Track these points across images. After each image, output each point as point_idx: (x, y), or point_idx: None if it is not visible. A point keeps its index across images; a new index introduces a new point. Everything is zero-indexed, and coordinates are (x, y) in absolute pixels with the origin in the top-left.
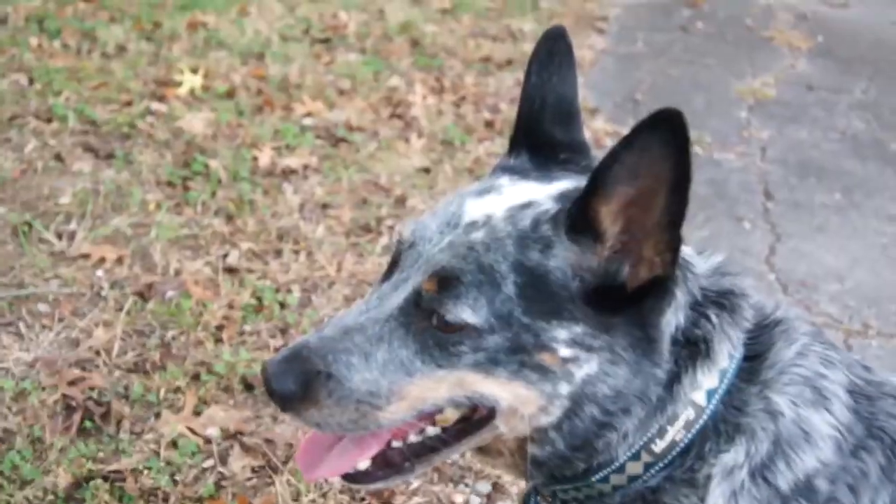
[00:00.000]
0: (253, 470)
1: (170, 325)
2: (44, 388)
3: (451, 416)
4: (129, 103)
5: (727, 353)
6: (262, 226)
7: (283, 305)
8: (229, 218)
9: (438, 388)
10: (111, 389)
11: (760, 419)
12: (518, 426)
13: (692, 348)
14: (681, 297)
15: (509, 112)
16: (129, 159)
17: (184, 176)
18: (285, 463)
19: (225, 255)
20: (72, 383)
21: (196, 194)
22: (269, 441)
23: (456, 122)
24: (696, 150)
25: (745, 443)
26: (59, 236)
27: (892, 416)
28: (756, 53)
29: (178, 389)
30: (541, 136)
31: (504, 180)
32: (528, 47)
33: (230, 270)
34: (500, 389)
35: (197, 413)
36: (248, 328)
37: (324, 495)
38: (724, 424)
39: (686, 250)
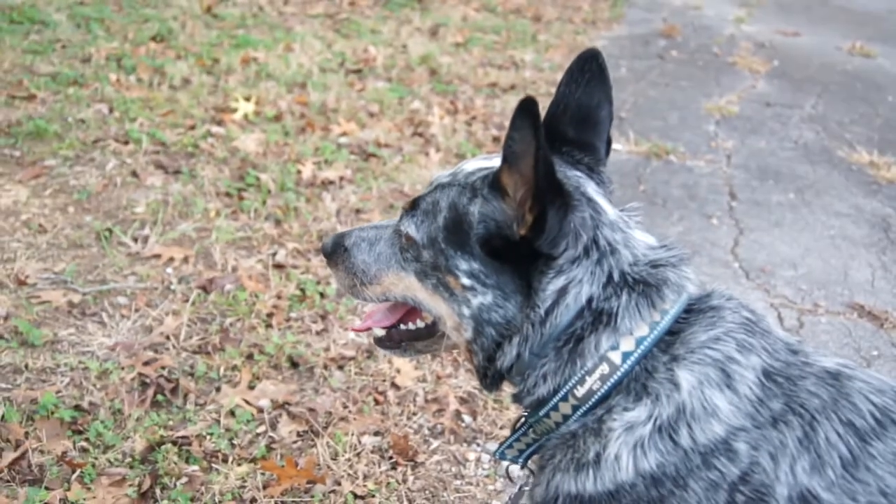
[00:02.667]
0: (298, 434)
1: (228, 313)
2: (123, 368)
3: (427, 316)
4: (192, 127)
5: (641, 324)
6: (305, 228)
7: (322, 295)
8: (277, 222)
9: (398, 284)
10: (179, 368)
11: (665, 387)
12: (453, 335)
13: (599, 317)
14: (583, 271)
15: None
16: (193, 174)
17: (239, 188)
18: (326, 428)
19: (274, 254)
20: (146, 363)
21: (249, 203)
22: (311, 410)
23: (468, 138)
24: (671, 158)
25: (650, 404)
26: (135, 240)
27: (813, 394)
28: (722, 76)
29: (234, 367)
30: (554, 132)
31: None
32: (529, 74)
33: (278, 266)
34: (429, 300)
35: (251, 387)
36: (293, 315)
37: (357, 454)
38: (634, 384)
39: (649, 240)
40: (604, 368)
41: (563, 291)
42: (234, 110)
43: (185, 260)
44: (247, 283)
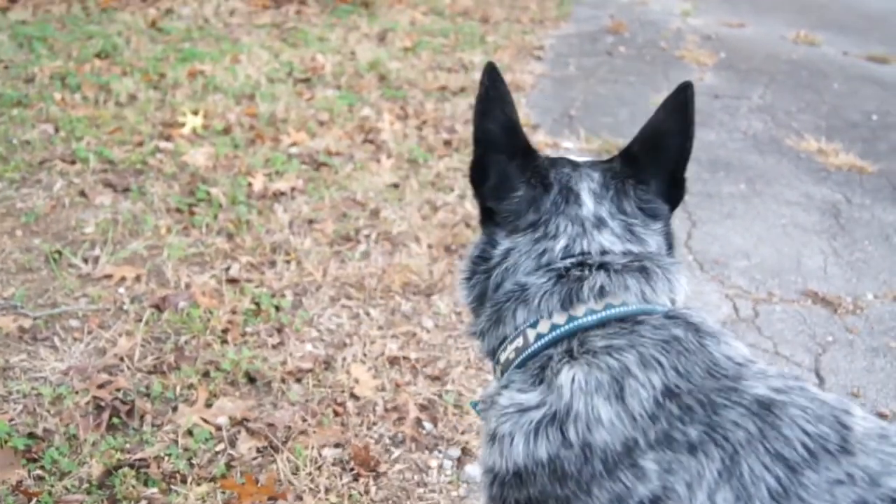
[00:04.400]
0: (258, 450)
1: (182, 331)
2: (77, 392)
3: None
4: (140, 144)
5: (560, 313)
6: (258, 241)
7: (278, 308)
8: (230, 236)
9: None
10: (134, 389)
11: (557, 379)
12: None
13: (523, 290)
14: (523, 241)
15: (464, 132)
16: (143, 191)
17: (189, 203)
18: (285, 442)
19: (227, 269)
20: (101, 386)
21: (201, 218)
22: (270, 425)
23: (419, 143)
24: None
25: (542, 392)
26: (86, 261)
27: (738, 426)
28: (670, 70)
29: (191, 386)
30: (629, 153)
31: None
32: (478, 76)
33: (232, 281)
34: None
35: (208, 405)
36: (249, 330)
37: (319, 468)
38: (534, 368)
39: (605, 243)
40: (519, 342)
41: (506, 253)
42: (182, 125)
43: (137, 279)
44: (200, 300)
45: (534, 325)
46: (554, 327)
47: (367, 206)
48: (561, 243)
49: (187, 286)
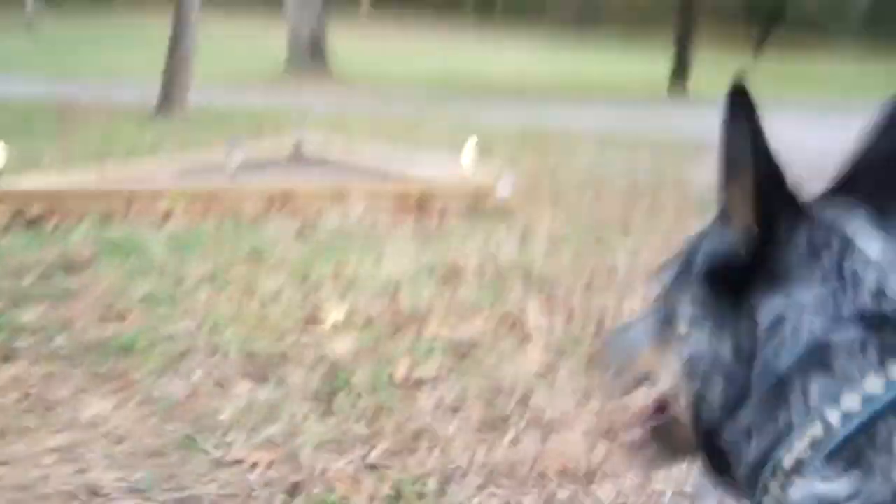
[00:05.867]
0: None
1: None
2: None
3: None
4: (282, 338)
5: (873, 377)
6: (400, 428)
7: (420, 497)
8: (370, 423)
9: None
10: None
11: (886, 460)
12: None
13: (814, 355)
14: (807, 294)
15: (610, 324)
16: (282, 381)
17: (328, 391)
18: None
19: (365, 455)
20: None
21: (340, 405)
22: None
23: (566, 334)
24: None
25: (858, 479)
26: (218, 447)
27: None
28: None
29: None
30: (850, 187)
31: None
32: (623, 265)
33: (371, 467)
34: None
35: None
36: None
37: None
38: (845, 449)
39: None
40: (816, 430)
41: (779, 319)
42: (325, 320)
43: (270, 465)
44: (337, 486)
45: (834, 402)
46: (868, 399)
47: (514, 393)
48: (865, 286)
49: (323, 472)
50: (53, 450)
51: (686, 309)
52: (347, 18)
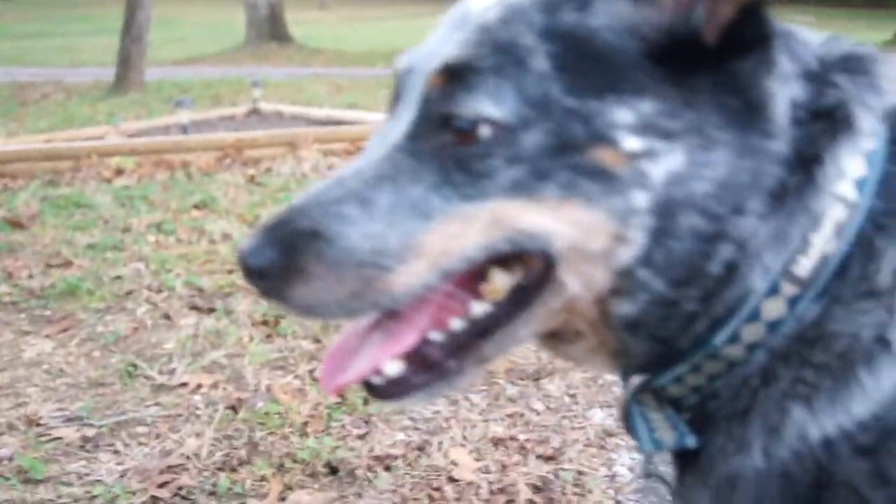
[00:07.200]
0: None
1: (258, 427)
2: (133, 493)
3: (501, 282)
4: (230, 272)
5: (871, 128)
6: None
7: (366, 401)
8: (317, 340)
9: (467, 231)
10: (199, 487)
11: None
12: (591, 274)
13: (825, 121)
14: (786, 63)
15: None
16: (229, 310)
17: (276, 315)
18: None
19: (312, 371)
20: (161, 486)
21: (286, 326)
22: None
23: None
24: None
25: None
26: (161, 373)
27: None
28: None
29: (263, 479)
30: None
31: None
32: None
33: (317, 381)
34: (551, 219)
35: (282, 499)
36: (333, 424)
37: None
38: (886, 219)
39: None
40: (837, 213)
41: (790, 102)
42: None
43: (215, 385)
44: (281, 398)
45: (840, 175)
46: (870, 158)
47: None
48: (803, 48)
49: (268, 388)
50: None
51: (623, 113)
52: None
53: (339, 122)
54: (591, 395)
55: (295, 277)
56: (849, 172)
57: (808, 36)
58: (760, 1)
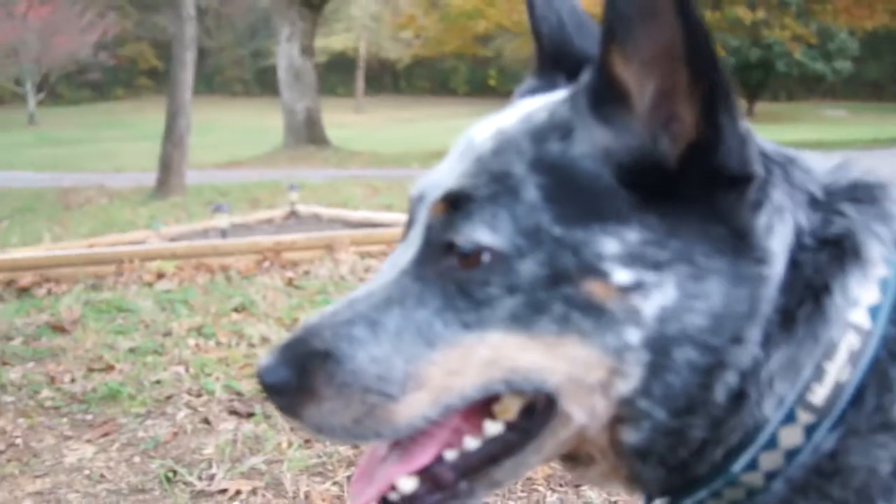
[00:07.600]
0: None
1: None
2: None
3: (513, 404)
4: None
5: (881, 256)
6: None
7: None
8: (355, 445)
9: (466, 367)
10: None
11: None
12: (593, 404)
13: (832, 250)
14: (781, 195)
15: None
16: (267, 415)
17: None
18: None
19: (349, 476)
20: None
21: None
22: None
23: None
24: None
25: None
26: (201, 479)
27: None
28: None
29: None
30: (574, 56)
31: (519, 101)
32: None
33: None
34: (547, 357)
35: None
36: None
37: None
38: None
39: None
40: (851, 341)
41: (769, 230)
42: None
43: (254, 492)
44: None
45: (853, 303)
46: (883, 285)
47: None
48: (806, 176)
49: (306, 495)
50: (34, 493)
51: (608, 243)
52: (345, 98)
53: (375, 225)
54: (632, 502)
55: (306, 398)
56: (862, 300)
57: (813, 163)
58: (714, 139)
